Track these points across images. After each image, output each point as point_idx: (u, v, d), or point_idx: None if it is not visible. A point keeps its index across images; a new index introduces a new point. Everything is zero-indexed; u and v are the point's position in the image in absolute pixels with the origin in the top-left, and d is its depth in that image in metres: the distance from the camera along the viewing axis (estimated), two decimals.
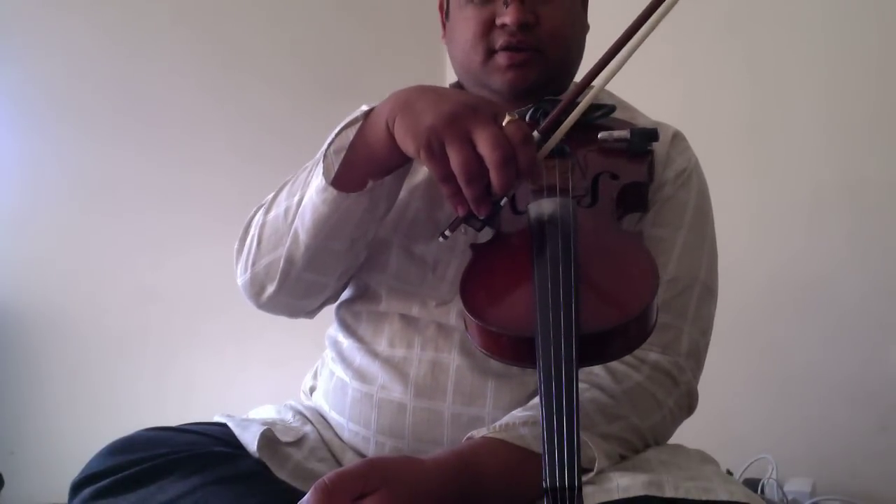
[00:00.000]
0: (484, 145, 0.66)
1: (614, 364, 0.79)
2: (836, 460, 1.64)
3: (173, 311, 1.96)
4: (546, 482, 0.53)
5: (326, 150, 0.79)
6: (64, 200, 1.89)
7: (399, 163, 0.78)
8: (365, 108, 0.80)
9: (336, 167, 0.78)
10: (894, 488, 1.59)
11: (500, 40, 0.88)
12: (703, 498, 0.64)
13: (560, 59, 0.92)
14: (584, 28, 0.97)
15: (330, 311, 0.99)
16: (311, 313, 0.97)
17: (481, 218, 0.71)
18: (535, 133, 0.74)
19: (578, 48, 0.95)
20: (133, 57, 1.94)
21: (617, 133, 0.83)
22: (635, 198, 0.81)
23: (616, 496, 0.63)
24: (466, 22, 0.90)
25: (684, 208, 0.88)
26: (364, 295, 0.92)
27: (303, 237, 0.83)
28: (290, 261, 0.85)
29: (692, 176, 0.91)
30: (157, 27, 1.97)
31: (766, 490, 1.55)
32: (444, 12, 0.99)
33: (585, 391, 0.75)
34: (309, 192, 0.82)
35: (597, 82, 0.76)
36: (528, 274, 0.66)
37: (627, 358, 0.79)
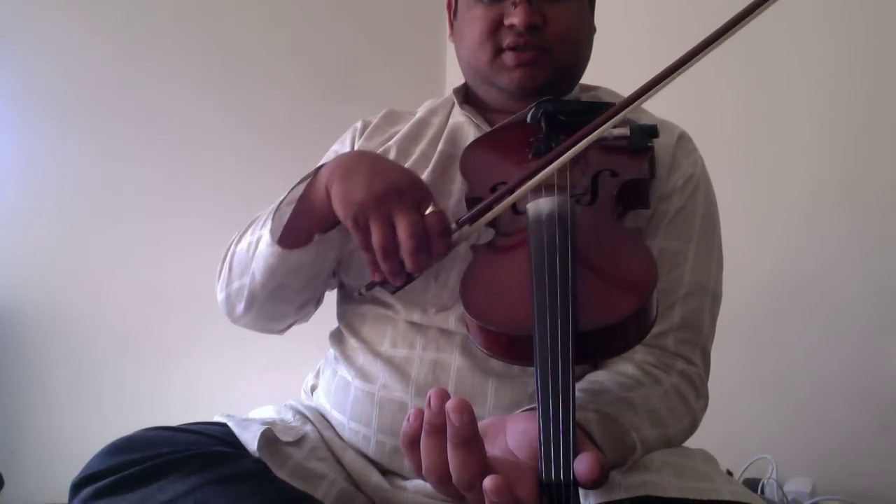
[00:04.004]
0: (401, 232, 0.72)
1: (647, 367, 0.80)
2: (835, 460, 1.64)
3: (174, 312, 1.96)
4: (542, 477, 0.53)
5: (280, 203, 0.84)
6: (64, 201, 1.89)
7: (338, 220, 0.81)
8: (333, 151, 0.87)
9: (286, 219, 0.84)
10: (894, 488, 1.59)
11: (507, 40, 0.89)
12: (706, 498, 0.64)
13: (566, 61, 0.92)
14: (591, 30, 0.98)
15: (331, 311, 0.99)
16: (280, 332, 1.02)
17: (395, 286, 0.77)
18: (455, 224, 0.76)
19: (585, 50, 0.96)
20: (131, 58, 1.94)
21: (616, 130, 0.83)
22: (636, 195, 0.81)
23: (618, 495, 0.63)
24: (474, 21, 0.91)
25: (694, 218, 0.89)
26: (372, 300, 0.92)
27: (258, 278, 0.88)
28: (252, 293, 0.90)
29: (700, 183, 0.91)
30: (155, 28, 1.97)
31: (766, 490, 1.55)
32: (453, 11, 0.99)
33: (631, 389, 0.75)
34: (261, 242, 0.86)
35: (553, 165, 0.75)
36: (527, 273, 0.67)
37: (656, 364, 0.80)
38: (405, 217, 0.73)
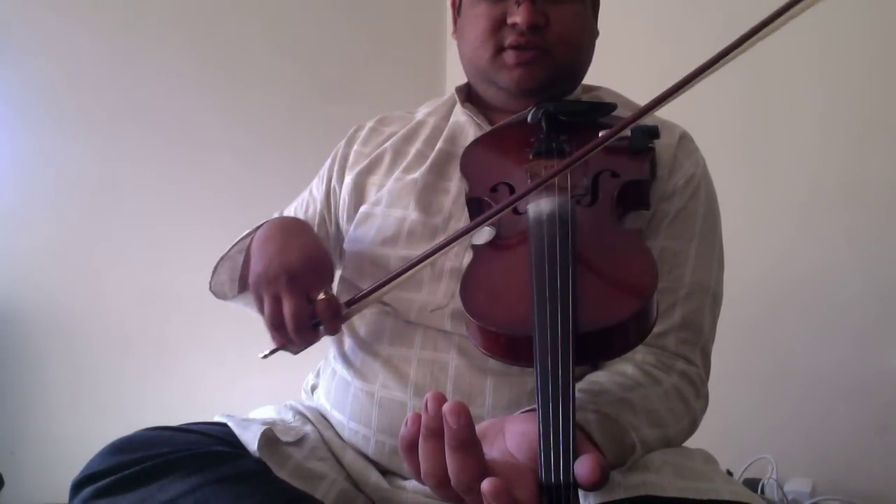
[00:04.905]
0: (286, 313, 0.78)
1: (647, 367, 0.80)
2: (835, 460, 1.64)
3: (174, 312, 1.96)
4: (542, 479, 0.53)
5: (230, 249, 0.94)
6: (64, 201, 1.89)
7: None
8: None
9: (239, 266, 0.95)
10: (894, 488, 1.59)
11: (509, 38, 0.89)
12: (705, 498, 0.64)
13: (567, 62, 0.92)
14: (594, 34, 0.98)
15: None
16: None
17: (293, 350, 0.82)
18: (344, 306, 0.80)
19: (586, 52, 0.96)
20: (131, 59, 1.94)
21: None
22: (636, 196, 0.81)
23: (618, 495, 0.63)
24: (477, 19, 0.91)
25: (695, 219, 0.89)
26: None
27: (228, 294, 0.99)
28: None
29: (701, 183, 0.91)
30: (154, 29, 1.97)
31: (766, 490, 1.55)
32: (456, 9, 0.99)
33: (631, 389, 0.75)
34: (223, 279, 0.99)
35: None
36: (527, 274, 0.66)
37: (656, 364, 0.80)
38: (290, 300, 0.78)
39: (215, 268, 0.96)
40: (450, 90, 1.04)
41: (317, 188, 1.07)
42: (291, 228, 0.89)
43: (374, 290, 0.78)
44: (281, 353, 0.82)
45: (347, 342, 0.93)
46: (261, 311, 0.82)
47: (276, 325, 0.80)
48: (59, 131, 1.88)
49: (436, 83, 2.28)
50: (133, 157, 1.94)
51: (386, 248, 0.91)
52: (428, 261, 0.75)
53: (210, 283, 1.00)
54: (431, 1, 2.26)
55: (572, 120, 0.87)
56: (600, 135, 0.72)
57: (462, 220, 0.90)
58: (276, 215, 1.07)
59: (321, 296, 0.78)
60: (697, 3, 1.89)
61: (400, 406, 0.84)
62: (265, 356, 0.83)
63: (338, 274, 1.06)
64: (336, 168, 1.05)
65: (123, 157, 1.93)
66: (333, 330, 0.80)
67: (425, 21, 2.31)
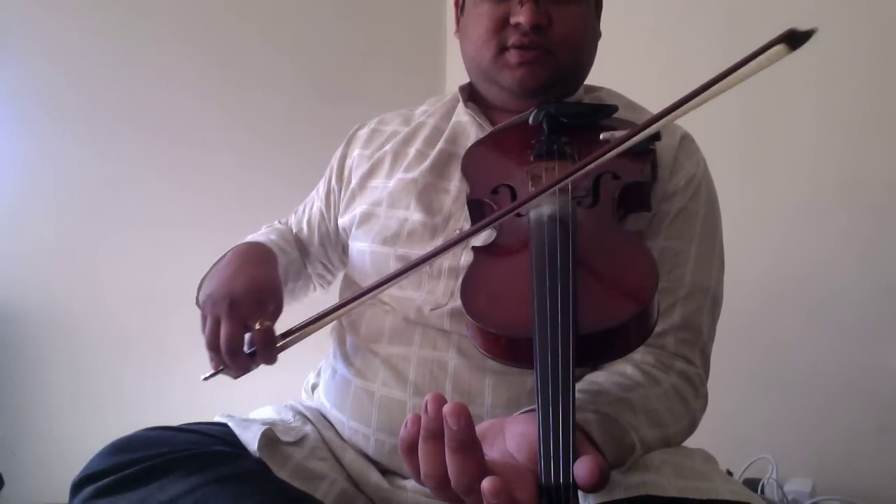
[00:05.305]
0: (221, 336, 0.81)
1: (646, 367, 0.80)
2: (836, 460, 1.64)
3: (174, 312, 1.96)
4: (541, 480, 0.53)
5: (212, 267, 0.96)
6: (64, 201, 1.89)
7: None
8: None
9: None
10: (894, 488, 1.59)
11: (512, 38, 0.90)
12: (705, 497, 0.64)
13: (569, 63, 0.92)
14: (596, 35, 0.98)
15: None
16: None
17: (231, 375, 0.85)
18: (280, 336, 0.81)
19: (589, 53, 0.96)
20: (131, 59, 1.94)
21: (619, 133, 0.83)
22: (637, 197, 0.81)
23: (618, 495, 0.63)
24: (480, 18, 0.91)
25: (695, 219, 0.89)
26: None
27: None
28: None
29: (702, 184, 0.91)
30: (154, 29, 1.96)
31: (766, 490, 1.55)
32: (459, 8, 1.00)
33: (630, 389, 0.75)
34: None
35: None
36: (528, 275, 0.66)
37: (655, 364, 0.80)
38: (227, 325, 0.81)
39: (200, 284, 0.98)
40: (450, 90, 1.04)
41: (322, 186, 1.09)
42: (249, 256, 0.93)
43: (311, 323, 0.79)
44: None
45: (348, 341, 0.93)
46: (203, 331, 0.85)
47: (212, 348, 0.83)
48: (59, 131, 1.88)
49: (436, 83, 2.28)
50: (133, 158, 1.94)
51: (385, 246, 0.91)
52: (392, 283, 0.75)
53: (196, 298, 1.01)
54: (431, 1, 2.26)
55: (573, 122, 0.87)
56: (601, 136, 0.71)
57: (461, 219, 0.90)
58: (264, 228, 1.12)
59: (258, 325, 0.80)
60: (697, 3, 1.89)
61: (399, 405, 0.84)
62: (205, 378, 0.87)
63: (341, 276, 1.08)
64: (336, 168, 1.07)
65: (123, 157, 1.93)
66: (268, 360, 0.81)
67: (425, 21, 2.31)
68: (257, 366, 0.83)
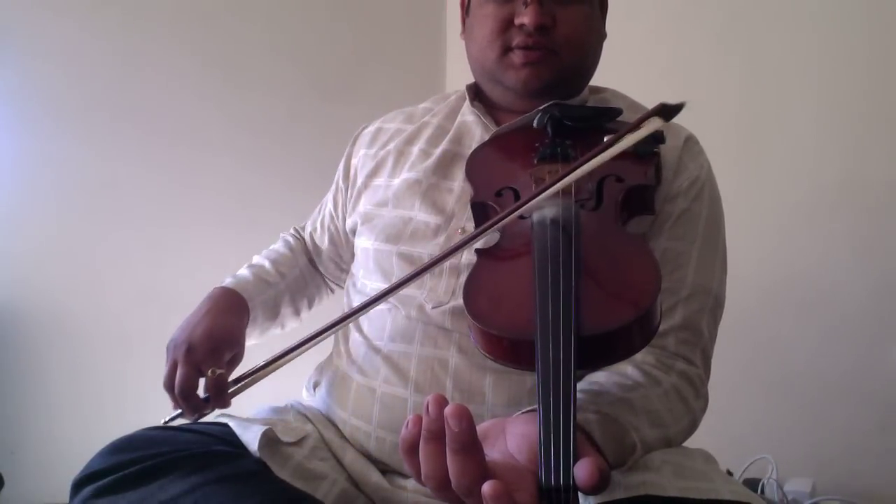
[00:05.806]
0: (176, 380, 0.89)
1: (647, 368, 0.80)
2: (836, 460, 1.64)
3: (174, 312, 1.95)
4: (542, 482, 0.53)
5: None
6: (64, 201, 1.89)
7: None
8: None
9: None
10: (894, 488, 1.59)
11: (516, 39, 0.90)
12: (705, 497, 0.64)
13: (574, 63, 0.93)
14: (601, 36, 0.98)
15: (331, 311, 1.00)
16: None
17: (187, 417, 0.89)
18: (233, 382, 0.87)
19: (593, 54, 0.97)
20: (131, 59, 1.94)
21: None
22: (641, 201, 0.81)
23: (618, 495, 0.63)
24: (485, 19, 0.92)
25: (698, 220, 0.89)
26: (369, 296, 0.92)
27: None
28: None
29: (705, 186, 0.91)
30: (154, 29, 1.96)
31: (766, 490, 1.55)
32: (465, 9, 1.00)
33: (630, 389, 0.75)
34: None
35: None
36: (530, 277, 0.66)
37: (655, 364, 0.80)
38: (182, 369, 0.89)
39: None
40: (450, 90, 1.04)
41: (332, 187, 1.12)
42: (217, 304, 0.99)
43: (263, 368, 0.84)
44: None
45: (350, 338, 0.93)
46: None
47: (168, 389, 0.90)
48: (59, 131, 1.88)
49: (436, 83, 2.28)
50: (133, 158, 1.94)
51: (388, 244, 0.92)
52: (371, 304, 0.77)
53: None
54: (431, 1, 2.26)
55: (577, 125, 0.87)
56: (605, 139, 0.71)
57: (464, 219, 0.90)
58: (280, 240, 1.17)
59: (209, 373, 0.86)
60: (697, 3, 1.89)
61: (401, 402, 0.84)
62: (165, 422, 0.91)
63: (345, 278, 1.09)
64: (342, 168, 1.09)
65: (123, 157, 1.93)
66: (221, 405, 0.87)
67: (425, 21, 2.31)
68: (211, 410, 0.88)
